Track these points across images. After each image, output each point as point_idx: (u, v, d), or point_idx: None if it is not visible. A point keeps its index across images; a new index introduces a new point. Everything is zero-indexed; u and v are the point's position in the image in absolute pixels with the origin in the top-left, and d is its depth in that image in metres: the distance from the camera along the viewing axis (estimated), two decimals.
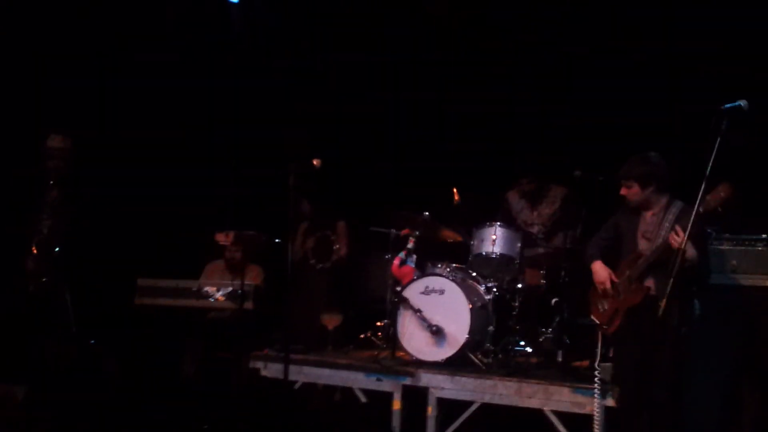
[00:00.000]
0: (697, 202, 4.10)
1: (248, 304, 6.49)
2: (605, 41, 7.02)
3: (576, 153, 6.88)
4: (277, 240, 6.66)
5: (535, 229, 6.86)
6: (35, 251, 6.27)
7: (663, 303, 4.15)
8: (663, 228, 4.83)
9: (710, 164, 4.01)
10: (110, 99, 7.55)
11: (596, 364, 5.22)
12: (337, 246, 7.33)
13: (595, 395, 5.23)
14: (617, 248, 5.15)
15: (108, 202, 7.04)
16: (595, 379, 5.21)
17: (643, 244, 4.95)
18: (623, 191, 4.96)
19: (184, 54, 7.60)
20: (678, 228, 4.50)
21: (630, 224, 5.07)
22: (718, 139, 3.99)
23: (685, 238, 4.22)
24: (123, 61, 7.56)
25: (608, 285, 5.04)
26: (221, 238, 6.75)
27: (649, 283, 4.84)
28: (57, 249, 6.26)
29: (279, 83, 8.02)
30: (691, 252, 4.55)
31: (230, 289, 6.58)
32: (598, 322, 5.16)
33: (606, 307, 5.08)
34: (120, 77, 7.55)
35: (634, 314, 4.86)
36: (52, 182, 6.34)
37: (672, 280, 4.11)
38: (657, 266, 4.74)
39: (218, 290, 6.63)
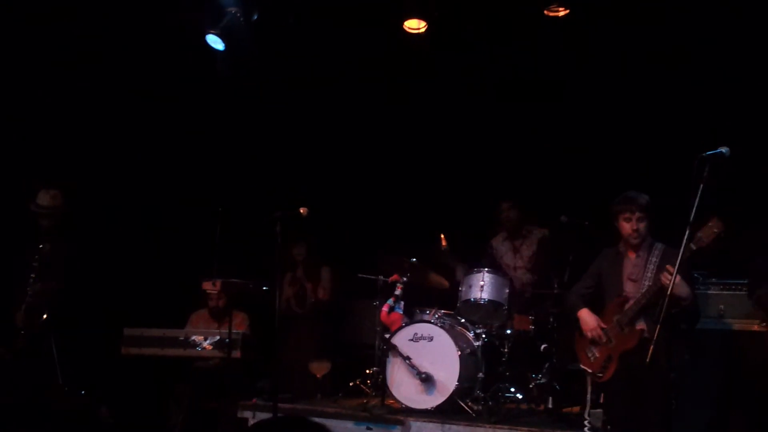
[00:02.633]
0: (683, 247, 4.12)
1: (236, 353, 6.43)
2: (587, 86, 7.11)
3: (556, 198, 6.94)
4: (264, 288, 6.63)
5: (519, 273, 6.88)
6: (24, 313, 6.21)
7: (651, 348, 4.15)
8: (648, 270, 4.81)
9: (694, 210, 4.05)
10: (95, 149, 7.55)
11: (587, 413, 5.17)
12: (314, 289, 7.35)
13: None
14: (600, 294, 5.13)
15: (93, 251, 7.01)
16: (585, 426, 5.17)
17: (629, 287, 4.93)
18: (634, 225, 4.86)
19: (167, 100, 7.64)
20: (669, 267, 4.48)
21: (614, 268, 5.04)
22: (701, 185, 4.03)
23: (675, 273, 4.23)
24: (105, 107, 7.58)
25: (599, 332, 4.98)
26: (208, 287, 6.70)
27: (641, 326, 4.80)
28: (46, 313, 6.20)
29: (266, 128, 8.05)
30: (685, 290, 4.55)
31: (218, 337, 6.52)
32: (590, 371, 5.04)
33: (597, 355, 5.00)
34: (103, 124, 7.57)
35: (630, 359, 4.82)
36: (42, 241, 6.28)
37: (658, 325, 4.12)
38: (648, 309, 4.72)
39: (206, 339, 6.57)
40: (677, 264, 4.22)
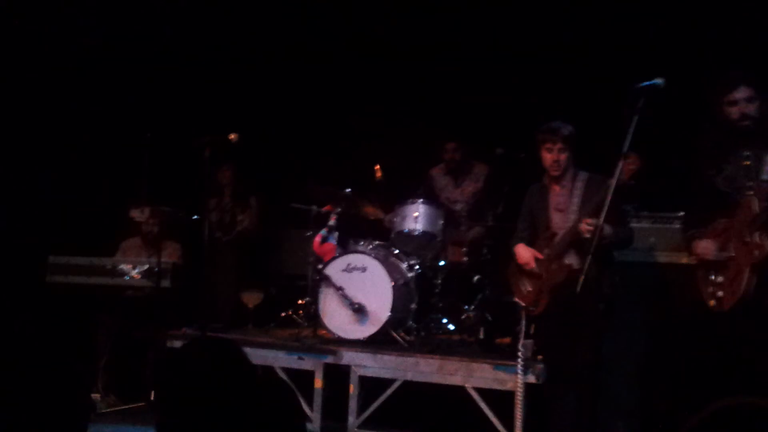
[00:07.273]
0: (614, 179, 4.09)
1: (165, 282, 6.31)
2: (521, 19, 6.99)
3: (496, 131, 6.86)
4: (195, 216, 6.49)
5: (458, 207, 6.85)
6: None
7: (581, 279, 4.16)
8: (573, 200, 4.81)
9: (627, 142, 4.01)
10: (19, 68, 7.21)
11: (519, 344, 5.20)
12: (240, 218, 7.24)
13: (518, 372, 5.23)
14: (533, 229, 5.13)
15: (18, 178, 6.76)
16: (518, 356, 5.20)
17: (556, 218, 4.93)
18: (555, 156, 4.84)
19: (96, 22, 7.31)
20: (586, 219, 4.53)
21: (541, 200, 5.04)
22: (635, 117, 3.98)
23: (602, 216, 4.22)
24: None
25: (533, 264, 5.01)
26: (136, 215, 6.53)
27: (570, 259, 4.82)
28: None
29: (196, 55, 7.78)
30: (607, 230, 4.55)
31: (147, 266, 6.37)
32: (523, 304, 5.11)
33: (530, 289, 5.05)
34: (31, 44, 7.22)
35: (559, 292, 4.85)
36: None
37: (590, 257, 4.13)
38: (576, 243, 4.74)
39: (134, 268, 6.42)
40: (604, 211, 4.19)
